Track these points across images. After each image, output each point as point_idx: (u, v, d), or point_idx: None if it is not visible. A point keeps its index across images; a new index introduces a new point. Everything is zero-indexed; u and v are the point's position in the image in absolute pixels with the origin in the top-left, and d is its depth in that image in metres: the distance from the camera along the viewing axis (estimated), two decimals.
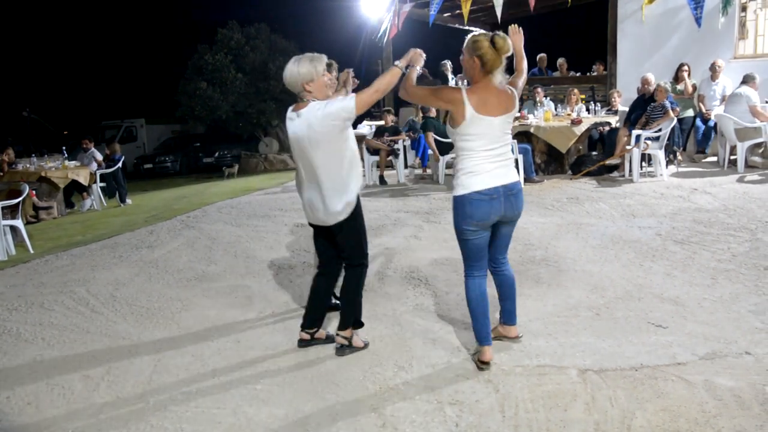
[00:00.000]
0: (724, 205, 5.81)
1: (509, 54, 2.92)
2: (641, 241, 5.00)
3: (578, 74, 11.62)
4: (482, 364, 3.03)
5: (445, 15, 13.05)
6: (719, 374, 2.83)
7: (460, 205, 2.90)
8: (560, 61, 11.58)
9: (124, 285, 4.82)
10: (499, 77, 2.90)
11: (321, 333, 3.47)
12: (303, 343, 3.43)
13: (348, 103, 2.95)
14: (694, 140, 8.76)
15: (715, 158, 8.45)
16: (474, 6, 9.82)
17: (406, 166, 9.78)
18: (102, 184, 10.33)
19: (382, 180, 8.97)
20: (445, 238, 5.59)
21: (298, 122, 3.06)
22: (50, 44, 26.97)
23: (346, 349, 3.31)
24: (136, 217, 8.38)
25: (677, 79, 8.71)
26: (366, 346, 3.37)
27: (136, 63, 27.99)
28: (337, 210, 3.10)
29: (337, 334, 3.34)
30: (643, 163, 7.68)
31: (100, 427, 2.71)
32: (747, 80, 7.62)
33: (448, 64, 12.62)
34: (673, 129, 7.63)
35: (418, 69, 3.08)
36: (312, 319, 3.43)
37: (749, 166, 7.51)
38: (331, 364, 3.21)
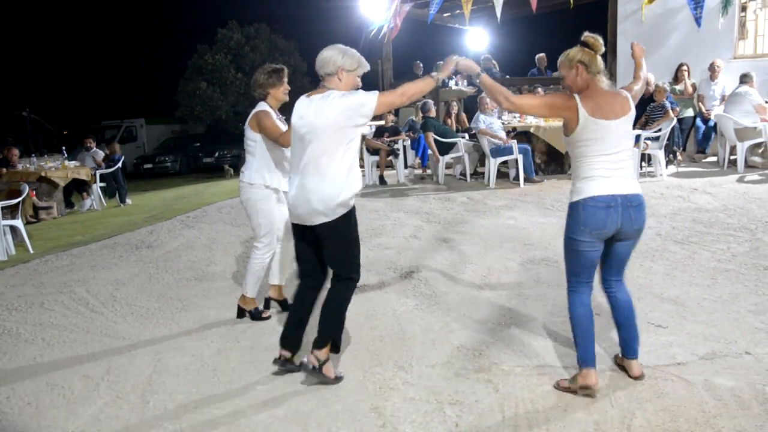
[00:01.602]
0: (724, 205, 5.81)
1: (602, 52, 2.86)
2: (641, 241, 4.98)
3: None
4: (585, 390, 2.69)
5: (445, 15, 13.04)
6: (719, 374, 2.83)
7: (575, 211, 2.76)
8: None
9: (124, 285, 4.82)
10: (605, 79, 2.83)
11: (296, 358, 3.09)
12: (280, 362, 3.09)
13: (370, 99, 2.80)
14: (694, 140, 8.76)
15: (715, 158, 8.44)
16: (474, 6, 9.81)
17: (406, 166, 9.77)
18: (102, 184, 10.33)
19: (382, 180, 8.97)
20: (445, 238, 5.59)
21: (307, 107, 2.91)
22: (50, 44, 26.97)
23: (314, 372, 2.91)
24: (136, 217, 8.38)
25: (677, 79, 8.71)
26: (338, 380, 2.96)
27: (136, 63, 28.00)
28: (327, 208, 2.80)
29: (312, 352, 2.93)
30: (643, 163, 7.68)
31: (100, 427, 2.71)
32: (746, 80, 7.62)
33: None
34: (672, 129, 7.64)
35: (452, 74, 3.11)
36: (287, 338, 3.09)
37: (749, 166, 7.51)
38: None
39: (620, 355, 2.96)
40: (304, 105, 2.93)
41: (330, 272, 3.04)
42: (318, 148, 2.83)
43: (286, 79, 3.75)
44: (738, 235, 4.93)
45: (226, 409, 2.81)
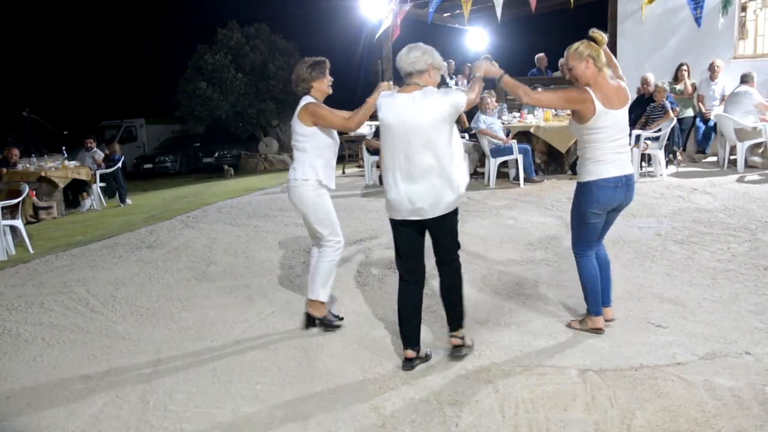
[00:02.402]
0: (724, 205, 5.81)
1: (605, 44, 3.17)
2: (641, 241, 5.00)
3: None
4: (596, 331, 3.32)
5: (445, 15, 13.05)
6: (719, 374, 2.83)
7: (588, 190, 3.18)
8: (562, 61, 11.56)
9: (124, 285, 4.82)
10: (609, 72, 3.17)
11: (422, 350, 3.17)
12: (408, 364, 3.09)
13: (462, 98, 2.96)
14: (694, 140, 8.76)
15: (715, 158, 8.45)
16: (474, 6, 9.81)
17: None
18: (102, 184, 10.33)
19: (382, 180, 8.96)
20: None
21: (407, 104, 2.90)
22: (50, 44, 26.97)
23: (463, 349, 3.14)
24: (136, 217, 8.38)
25: (677, 79, 8.71)
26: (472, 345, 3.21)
27: (136, 63, 28.00)
28: (455, 197, 2.95)
29: (452, 336, 3.14)
30: (643, 163, 7.68)
31: (100, 427, 2.71)
32: (747, 80, 7.62)
33: (446, 64, 12.62)
34: (672, 129, 7.63)
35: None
36: (413, 336, 3.12)
37: (749, 166, 7.51)
38: (331, 364, 3.21)
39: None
40: (401, 102, 2.93)
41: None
42: (428, 142, 2.90)
43: (328, 71, 3.61)
44: (738, 235, 4.93)
45: (226, 409, 2.81)
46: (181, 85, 16.93)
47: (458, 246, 3.12)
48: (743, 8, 9.32)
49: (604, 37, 3.14)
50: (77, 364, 3.39)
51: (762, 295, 3.80)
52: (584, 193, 3.21)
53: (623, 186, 3.18)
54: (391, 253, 5.22)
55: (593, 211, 3.21)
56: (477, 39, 15.02)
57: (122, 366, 3.34)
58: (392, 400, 2.80)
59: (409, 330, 3.10)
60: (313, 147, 3.51)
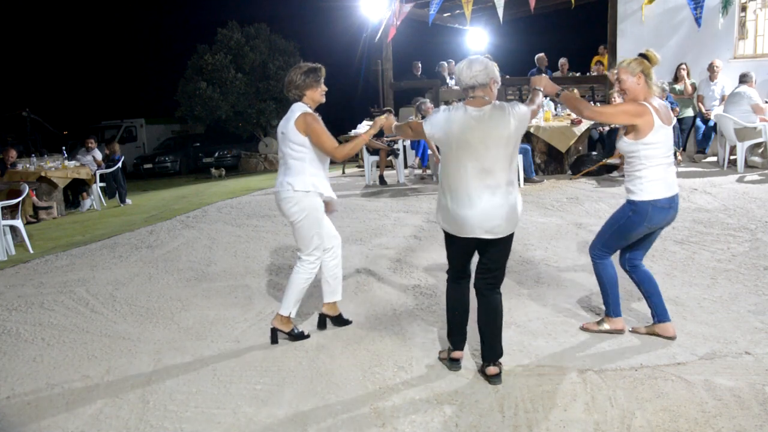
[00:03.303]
0: (724, 205, 5.81)
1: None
2: None
3: (578, 74, 11.63)
4: (617, 332, 3.34)
5: (445, 15, 13.04)
6: (719, 374, 2.83)
7: (643, 210, 3.12)
8: (562, 61, 11.58)
9: (124, 285, 4.82)
10: (657, 90, 3.20)
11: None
12: (457, 364, 3.06)
13: (528, 111, 2.90)
14: (694, 140, 8.76)
15: (715, 158, 8.45)
16: (474, 6, 9.80)
17: (406, 166, 9.78)
18: (102, 184, 10.33)
19: (382, 180, 8.97)
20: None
21: (480, 118, 2.78)
22: (50, 44, 26.98)
23: (498, 378, 2.91)
24: (136, 217, 8.38)
25: (677, 79, 8.71)
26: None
27: (136, 63, 28.00)
28: (517, 217, 2.87)
29: (494, 365, 2.92)
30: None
31: (100, 427, 2.71)
32: (746, 80, 7.62)
33: (446, 64, 12.62)
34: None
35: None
36: (460, 339, 3.08)
37: (749, 166, 7.51)
38: (331, 365, 3.21)
39: (655, 322, 3.33)
40: (474, 115, 2.79)
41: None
42: (499, 159, 2.80)
43: (323, 80, 3.48)
44: (738, 235, 4.93)
45: (226, 409, 2.81)
46: (181, 85, 16.93)
47: (504, 275, 2.99)
48: (743, 8, 9.32)
49: (657, 56, 3.15)
50: (77, 364, 3.39)
51: (762, 295, 3.80)
52: (637, 212, 3.15)
53: (675, 206, 3.18)
54: (391, 254, 5.22)
55: (642, 230, 3.19)
56: (477, 39, 15.02)
57: (122, 366, 3.34)
58: (392, 400, 2.80)
59: (462, 331, 3.06)
60: (311, 157, 3.38)
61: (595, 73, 10.87)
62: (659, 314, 3.29)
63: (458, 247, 2.96)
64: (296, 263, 3.50)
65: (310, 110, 3.40)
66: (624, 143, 3.16)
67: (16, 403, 2.98)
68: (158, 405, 2.88)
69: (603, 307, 3.44)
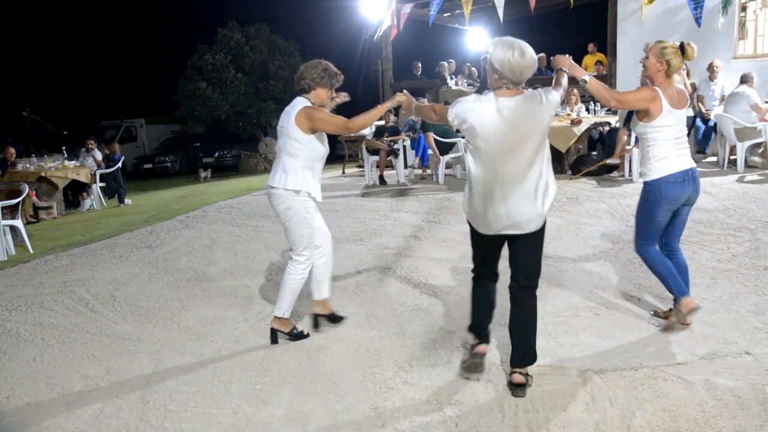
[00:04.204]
0: (724, 205, 5.81)
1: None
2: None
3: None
4: (692, 312, 3.32)
5: (445, 15, 13.05)
6: (719, 374, 2.83)
7: (657, 188, 3.26)
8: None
9: (124, 285, 4.82)
10: (677, 78, 3.30)
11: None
12: (482, 358, 2.97)
13: (558, 97, 2.77)
14: (694, 140, 8.76)
15: (715, 158, 8.45)
16: (474, 6, 9.81)
17: (406, 166, 9.78)
18: (102, 184, 10.33)
19: (382, 180, 8.97)
20: (445, 238, 5.59)
21: (517, 109, 2.64)
22: (50, 44, 26.98)
23: (526, 388, 2.79)
24: (136, 217, 8.38)
25: None
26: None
27: (136, 63, 28.00)
28: (544, 211, 2.71)
29: (520, 371, 2.81)
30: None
31: (100, 427, 2.71)
32: (746, 80, 7.62)
33: (446, 64, 12.62)
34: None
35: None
36: (486, 333, 3.03)
37: (749, 166, 7.51)
38: (331, 364, 3.21)
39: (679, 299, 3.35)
40: (504, 107, 2.63)
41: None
42: (533, 151, 2.67)
43: (337, 86, 3.43)
44: (738, 235, 4.93)
45: (226, 409, 2.81)
46: (181, 85, 16.94)
47: (539, 272, 2.84)
48: (743, 8, 9.32)
49: (694, 52, 3.24)
50: (77, 364, 3.39)
51: (762, 295, 3.80)
52: (652, 192, 3.28)
53: (690, 179, 3.27)
54: (391, 254, 5.22)
55: (663, 208, 3.29)
56: (477, 39, 15.03)
57: (122, 366, 3.34)
58: (392, 400, 2.80)
59: (487, 326, 3.00)
60: (306, 156, 3.30)
61: (595, 74, 10.87)
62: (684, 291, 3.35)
63: (484, 243, 2.86)
64: (288, 263, 3.48)
65: (311, 104, 3.32)
66: (636, 125, 3.33)
67: (16, 403, 2.98)
68: (158, 405, 2.88)
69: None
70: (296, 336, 3.55)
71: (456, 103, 2.75)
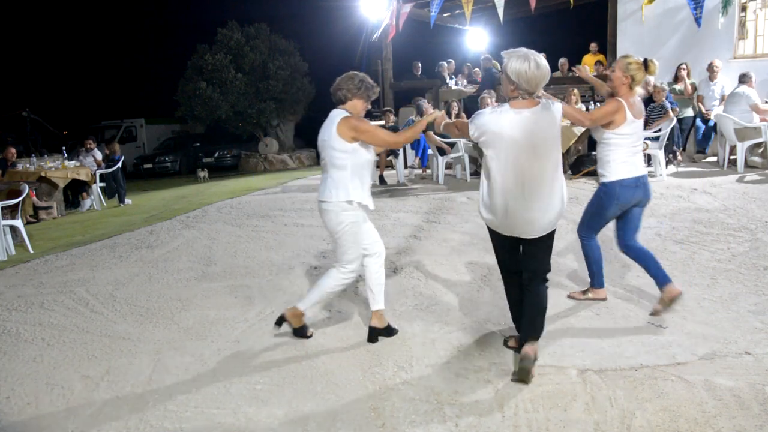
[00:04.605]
0: (724, 205, 5.81)
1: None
2: (641, 241, 4.99)
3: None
4: (599, 300, 3.83)
5: (445, 15, 13.05)
6: (719, 374, 2.83)
7: (612, 189, 3.55)
8: (562, 60, 11.58)
9: (124, 285, 4.82)
10: (640, 90, 3.60)
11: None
12: (530, 361, 2.97)
13: (560, 106, 2.96)
14: (694, 140, 8.76)
15: (715, 158, 8.45)
16: (474, 6, 9.81)
17: (405, 166, 9.78)
18: (102, 184, 10.33)
19: (382, 180, 8.97)
20: (445, 238, 5.59)
21: (536, 120, 2.77)
22: (50, 44, 26.97)
23: (534, 361, 2.94)
24: (136, 217, 8.38)
25: (677, 79, 8.71)
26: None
27: (136, 63, 27.99)
28: (558, 214, 2.90)
29: (530, 345, 2.95)
30: (643, 163, 7.67)
31: (100, 427, 2.71)
32: (745, 80, 7.62)
33: (446, 64, 12.62)
34: (672, 129, 7.64)
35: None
36: (519, 331, 3.15)
37: (749, 166, 7.51)
38: (331, 364, 3.21)
39: (662, 288, 3.62)
40: (523, 117, 2.76)
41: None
42: (550, 159, 2.83)
43: (372, 99, 3.40)
44: (738, 235, 4.93)
45: (226, 409, 2.81)
46: (181, 85, 16.91)
47: (549, 265, 3.04)
48: (743, 8, 9.32)
49: (656, 67, 3.53)
50: (77, 364, 3.39)
51: (762, 295, 3.80)
52: (607, 193, 3.58)
53: (641, 185, 3.56)
54: (391, 254, 5.21)
55: (613, 208, 3.59)
56: (477, 39, 15.02)
57: (122, 366, 3.34)
58: (392, 400, 2.80)
59: (518, 327, 3.13)
60: (353, 165, 3.23)
61: (595, 74, 10.88)
62: (661, 280, 3.59)
63: (504, 244, 3.05)
64: (334, 267, 3.44)
65: (349, 114, 3.28)
66: (599, 132, 3.57)
67: (16, 403, 2.98)
68: (158, 405, 2.88)
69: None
70: (299, 332, 3.56)
71: (475, 117, 2.90)
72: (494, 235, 3.06)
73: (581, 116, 3.54)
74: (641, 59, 3.49)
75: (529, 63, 2.73)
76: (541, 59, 2.78)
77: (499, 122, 2.77)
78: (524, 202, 2.82)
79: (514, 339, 3.25)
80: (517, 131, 2.75)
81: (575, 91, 9.67)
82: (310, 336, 3.58)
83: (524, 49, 2.81)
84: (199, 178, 14.60)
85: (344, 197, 3.24)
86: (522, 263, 3.04)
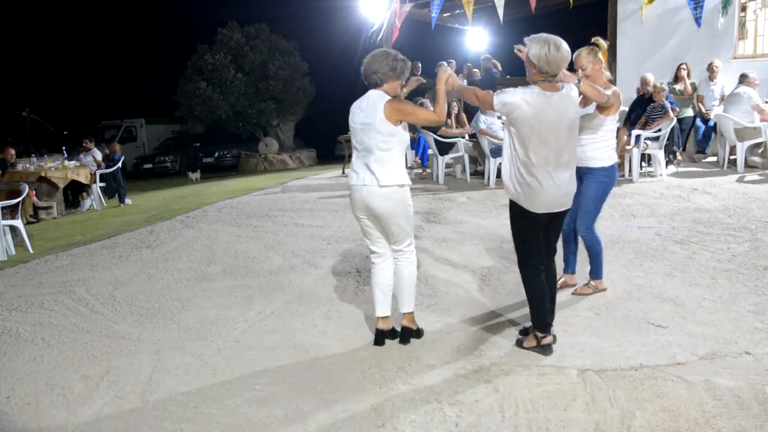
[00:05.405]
0: (724, 205, 5.81)
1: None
2: (641, 241, 5.00)
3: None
4: (603, 291, 4.00)
5: (445, 15, 13.04)
6: (719, 374, 2.83)
7: (613, 171, 3.73)
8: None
9: (124, 285, 4.82)
10: (608, 74, 3.78)
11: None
12: (550, 349, 3.16)
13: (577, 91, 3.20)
14: (694, 140, 8.76)
15: (715, 158, 8.45)
16: (475, 6, 9.81)
17: (406, 166, 9.77)
18: (102, 184, 10.33)
19: None
20: (445, 237, 5.59)
21: (559, 102, 2.98)
22: (50, 44, 26.98)
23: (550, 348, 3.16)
24: (136, 217, 8.38)
25: (677, 79, 8.71)
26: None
27: (136, 63, 28.00)
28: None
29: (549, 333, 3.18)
30: (643, 163, 7.68)
31: (100, 428, 2.71)
32: (744, 80, 7.62)
33: (446, 64, 12.62)
34: (672, 129, 7.64)
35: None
36: (551, 322, 3.21)
37: (749, 166, 7.51)
38: (331, 364, 3.21)
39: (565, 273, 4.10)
40: (552, 99, 2.97)
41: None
42: (571, 138, 3.07)
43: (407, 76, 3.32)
44: (738, 235, 4.93)
45: (226, 409, 2.81)
46: (181, 85, 16.92)
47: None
48: (743, 8, 9.32)
49: (605, 44, 3.63)
50: (77, 364, 3.39)
51: (762, 295, 3.80)
52: (610, 175, 3.71)
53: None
54: None
55: (610, 189, 3.77)
56: (477, 39, 15.02)
57: (122, 366, 3.34)
58: (392, 400, 2.80)
59: (549, 316, 3.18)
60: (398, 147, 3.19)
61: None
62: (598, 273, 3.97)
63: (537, 225, 3.11)
64: (397, 258, 3.34)
65: (389, 96, 3.19)
66: (599, 119, 3.63)
67: (16, 403, 2.98)
68: (158, 405, 2.88)
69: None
70: (418, 334, 3.45)
71: (503, 92, 3.01)
72: (527, 218, 3.08)
73: (599, 95, 3.45)
74: (589, 45, 3.63)
75: (549, 46, 2.91)
76: (561, 42, 2.94)
77: (533, 102, 2.93)
78: (560, 175, 3.02)
79: (533, 337, 3.20)
80: (551, 111, 2.94)
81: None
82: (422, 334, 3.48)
83: (545, 34, 2.97)
84: (192, 179, 14.37)
85: (393, 180, 3.16)
86: (545, 243, 3.19)
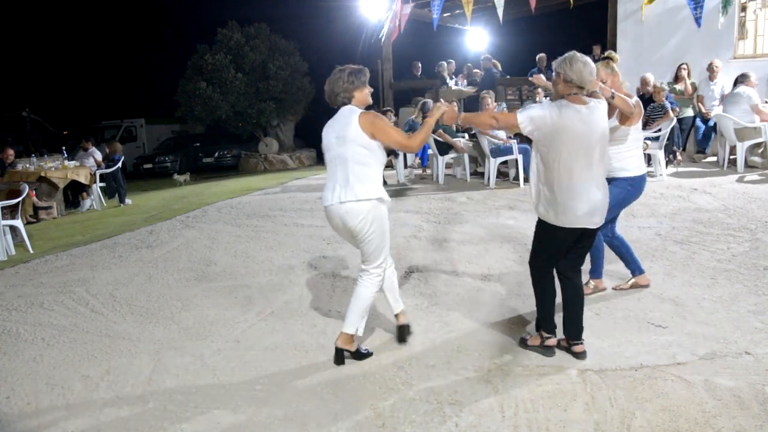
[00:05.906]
0: (724, 205, 5.81)
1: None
2: (641, 241, 5.00)
3: None
4: (647, 286, 4.01)
5: (445, 15, 13.04)
6: (719, 374, 2.83)
7: (639, 182, 3.75)
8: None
9: (124, 285, 4.82)
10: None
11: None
12: (552, 351, 3.18)
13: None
14: (694, 140, 8.76)
15: (715, 158, 8.45)
16: (475, 6, 9.81)
17: (405, 166, 9.78)
18: (102, 184, 10.33)
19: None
20: (445, 237, 5.59)
21: (588, 115, 2.96)
22: (50, 44, 26.98)
23: (585, 354, 3.13)
24: (136, 217, 8.38)
25: (677, 79, 8.71)
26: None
27: (137, 63, 28.00)
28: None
29: (579, 343, 3.13)
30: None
31: (100, 428, 2.71)
32: (744, 79, 7.62)
33: (445, 64, 12.61)
34: (672, 129, 7.63)
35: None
36: (556, 325, 3.21)
37: (749, 166, 7.51)
38: (331, 365, 3.21)
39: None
40: (581, 113, 2.94)
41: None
42: (600, 153, 3.03)
43: (368, 80, 3.25)
44: (738, 235, 4.93)
45: (226, 409, 2.81)
46: (181, 85, 16.91)
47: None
48: (743, 8, 9.32)
49: (617, 57, 3.68)
50: (77, 364, 3.39)
51: (762, 295, 3.80)
52: (635, 186, 3.73)
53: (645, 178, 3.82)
54: (390, 254, 5.20)
55: (633, 201, 3.84)
56: (477, 39, 15.02)
57: (122, 366, 3.34)
58: (392, 400, 2.80)
59: (576, 325, 3.16)
60: (376, 162, 3.12)
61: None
62: (636, 268, 4.00)
63: (564, 238, 3.07)
64: (361, 276, 3.24)
65: (362, 109, 3.17)
66: (622, 130, 3.63)
67: (16, 403, 2.98)
68: (158, 405, 2.88)
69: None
70: (362, 356, 3.27)
71: (528, 108, 3.03)
72: (556, 232, 3.05)
73: (630, 106, 3.51)
74: (603, 59, 3.69)
75: (580, 64, 2.95)
76: (590, 61, 3.01)
77: (562, 117, 2.92)
78: (593, 190, 2.99)
79: (538, 336, 3.22)
80: (583, 125, 2.94)
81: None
82: (371, 354, 3.30)
83: (571, 52, 3.03)
84: (180, 182, 13.93)
85: (370, 194, 3.07)
86: (569, 256, 3.14)
